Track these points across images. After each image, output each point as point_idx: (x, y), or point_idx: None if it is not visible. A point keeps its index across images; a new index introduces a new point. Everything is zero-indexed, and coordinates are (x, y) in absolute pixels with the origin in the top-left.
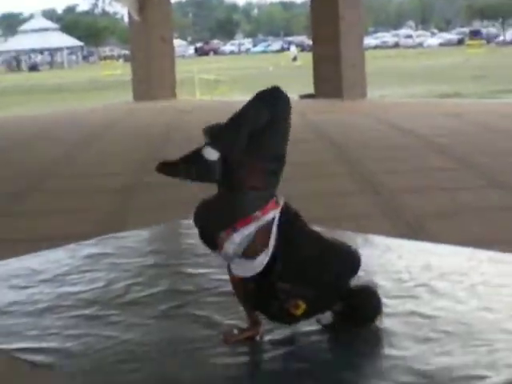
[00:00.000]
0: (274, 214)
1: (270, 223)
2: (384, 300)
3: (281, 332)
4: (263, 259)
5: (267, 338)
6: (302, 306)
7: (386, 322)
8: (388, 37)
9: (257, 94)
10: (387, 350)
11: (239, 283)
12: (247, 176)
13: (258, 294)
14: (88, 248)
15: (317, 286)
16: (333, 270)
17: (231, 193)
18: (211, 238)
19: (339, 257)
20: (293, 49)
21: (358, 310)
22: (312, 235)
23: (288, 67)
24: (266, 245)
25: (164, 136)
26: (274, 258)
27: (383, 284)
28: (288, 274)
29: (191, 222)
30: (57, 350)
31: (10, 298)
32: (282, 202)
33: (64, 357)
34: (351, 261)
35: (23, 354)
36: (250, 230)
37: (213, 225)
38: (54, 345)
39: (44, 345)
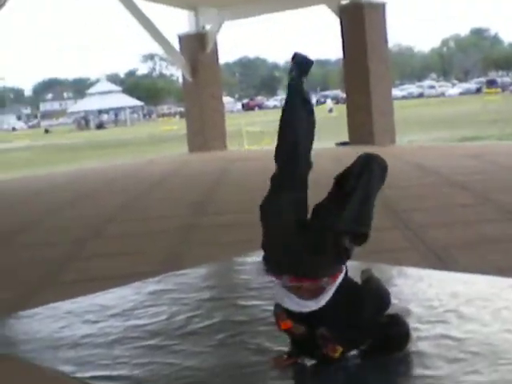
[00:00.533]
0: (337, 280)
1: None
2: (417, 325)
3: None
4: (312, 305)
5: (310, 361)
6: (339, 349)
7: (418, 345)
8: (413, 88)
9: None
10: (421, 371)
11: (286, 330)
12: (337, 262)
13: (303, 340)
14: (151, 285)
15: (352, 328)
16: (366, 312)
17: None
18: (276, 264)
19: (372, 299)
20: (329, 101)
21: (389, 340)
22: (347, 282)
23: (325, 118)
24: (318, 297)
25: (216, 181)
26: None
27: (416, 310)
28: (326, 319)
29: (244, 259)
30: (126, 377)
31: (83, 331)
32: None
33: (133, 383)
34: (382, 301)
35: (96, 382)
36: (312, 287)
37: (285, 264)
38: (124, 372)
39: (115, 373)
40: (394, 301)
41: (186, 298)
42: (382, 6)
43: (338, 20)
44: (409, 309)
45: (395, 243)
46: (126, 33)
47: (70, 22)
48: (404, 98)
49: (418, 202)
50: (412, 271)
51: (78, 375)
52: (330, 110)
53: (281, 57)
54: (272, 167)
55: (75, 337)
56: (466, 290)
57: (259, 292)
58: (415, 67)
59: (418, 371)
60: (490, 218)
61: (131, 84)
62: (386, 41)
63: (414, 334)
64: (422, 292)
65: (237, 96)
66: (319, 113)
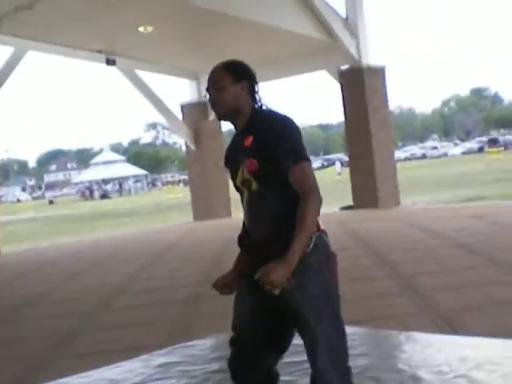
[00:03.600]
0: None
1: None
2: None
3: None
4: None
5: None
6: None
7: None
8: (415, 149)
9: None
10: None
11: None
12: None
13: None
14: (160, 358)
15: None
16: None
17: None
18: None
19: None
20: (338, 164)
21: None
22: None
23: (331, 181)
24: None
25: (222, 249)
26: None
27: (426, 377)
28: None
29: None
30: None
31: None
32: None
33: None
34: None
35: None
36: None
37: None
38: None
39: None
40: (403, 367)
41: (194, 370)
42: (382, 70)
43: (338, 85)
44: (419, 376)
45: (402, 308)
46: (129, 103)
47: (74, 93)
48: (407, 159)
49: (423, 265)
50: (420, 336)
51: None
52: (339, 173)
53: None
54: None
55: None
56: (476, 354)
57: None
58: (417, 128)
59: None
60: (497, 279)
61: (135, 153)
62: (386, 104)
63: None
64: (432, 357)
65: None
66: (326, 176)
